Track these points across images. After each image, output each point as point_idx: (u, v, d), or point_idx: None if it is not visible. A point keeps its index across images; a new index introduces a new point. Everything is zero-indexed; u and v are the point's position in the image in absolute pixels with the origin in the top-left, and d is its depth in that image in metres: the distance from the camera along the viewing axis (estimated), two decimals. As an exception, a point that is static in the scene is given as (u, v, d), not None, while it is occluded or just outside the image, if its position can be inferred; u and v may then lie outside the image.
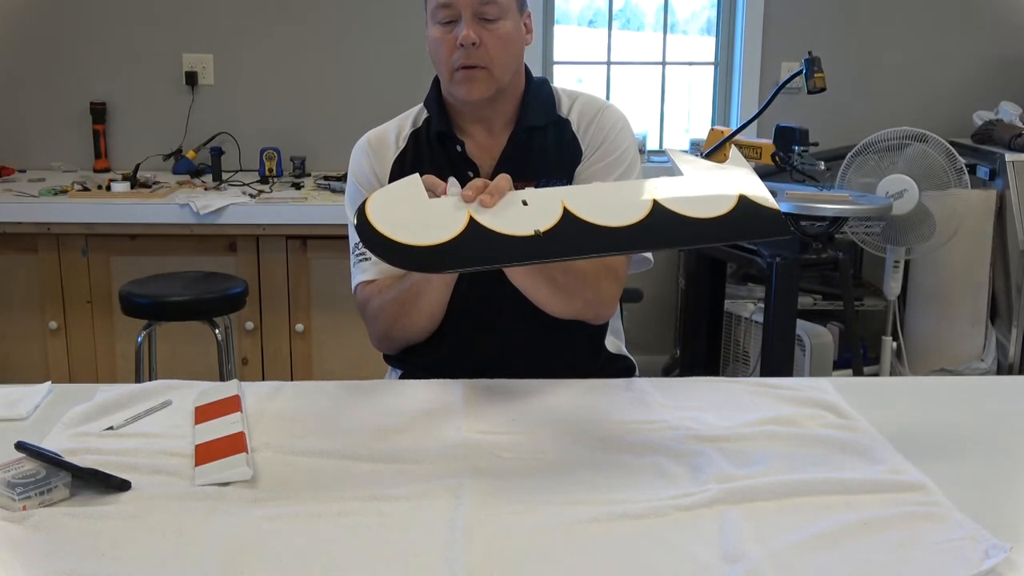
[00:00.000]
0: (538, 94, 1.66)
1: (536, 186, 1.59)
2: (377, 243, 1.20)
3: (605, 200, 1.29)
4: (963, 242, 3.35)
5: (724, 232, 1.31)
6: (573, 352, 1.66)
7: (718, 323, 3.46)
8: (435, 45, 1.58)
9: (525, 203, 1.27)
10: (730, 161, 1.40)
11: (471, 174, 1.61)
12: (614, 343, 1.76)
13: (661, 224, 1.26)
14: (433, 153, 1.64)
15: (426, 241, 1.20)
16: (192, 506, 1.13)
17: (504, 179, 1.29)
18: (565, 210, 1.25)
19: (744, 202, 1.31)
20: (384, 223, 1.21)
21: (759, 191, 1.33)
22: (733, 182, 1.33)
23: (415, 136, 1.67)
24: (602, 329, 1.71)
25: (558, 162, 1.63)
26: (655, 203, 1.28)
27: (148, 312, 2.63)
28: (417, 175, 1.29)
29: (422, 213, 1.24)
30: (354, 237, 1.66)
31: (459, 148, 1.63)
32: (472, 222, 1.23)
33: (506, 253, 1.23)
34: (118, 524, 1.09)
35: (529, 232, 1.22)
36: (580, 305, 1.56)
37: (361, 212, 1.21)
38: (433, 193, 1.29)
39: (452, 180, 1.30)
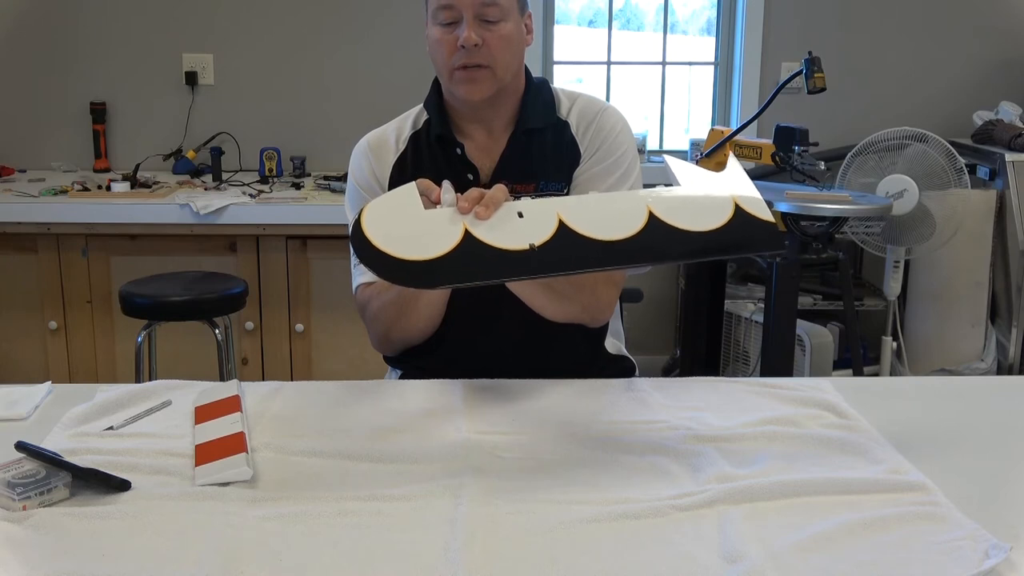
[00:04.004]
0: (538, 95, 1.66)
1: (535, 188, 1.60)
2: (371, 256, 1.19)
3: (601, 212, 1.28)
4: (963, 242, 3.36)
5: (719, 246, 1.31)
6: (572, 354, 1.65)
7: (718, 323, 3.46)
8: (436, 46, 1.57)
9: (521, 215, 1.26)
10: (728, 168, 1.40)
11: (471, 176, 1.61)
12: (614, 344, 1.76)
13: (656, 238, 1.26)
14: (433, 155, 1.64)
15: (419, 255, 1.19)
16: (192, 506, 1.13)
17: (500, 189, 1.28)
18: (561, 223, 1.25)
19: (740, 214, 1.31)
20: (379, 235, 1.20)
21: (755, 203, 1.33)
22: (729, 193, 1.33)
23: (415, 138, 1.67)
24: (602, 331, 1.71)
25: (557, 164, 1.63)
26: (651, 215, 1.27)
27: (148, 312, 2.63)
28: (414, 184, 1.28)
29: (417, 225, 1.23)
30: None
31: (459, 150, 1.63)
32: (467, 235, 1.22)
33: (500, 268, 1.22)
34: (118, 524, 1.09)
35: (524, 246, 1.22)
36: (577, 310, 1.55)
37: (357, 223, 1.21)
38: (428, 198, 1.28)
39: (447, 185, 1.30)
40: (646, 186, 1.65)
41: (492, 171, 1.62)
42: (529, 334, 1.60)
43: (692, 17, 4.12)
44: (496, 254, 1.21)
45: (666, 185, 1.36)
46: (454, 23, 1.54)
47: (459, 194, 1.29)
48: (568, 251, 1.23)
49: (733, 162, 1.41)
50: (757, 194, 1.34)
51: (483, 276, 1.22)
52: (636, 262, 1.29)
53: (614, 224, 1.26)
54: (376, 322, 1.61)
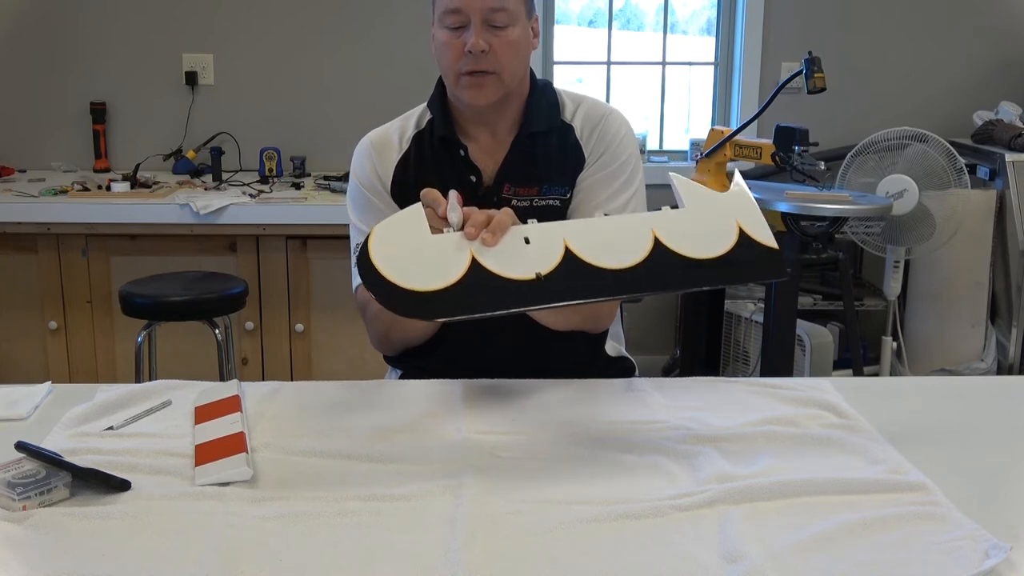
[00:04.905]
0: (542, 98, 1.64)
1: (538, 192, 1.60)
2: (379, 287, 1.19)
3: (607, 237, 1.29)
4: (963, 242, 3.35)
5: (722, 276, 1.32)
6: (573, 356, 1.65)
7: (718, 323, 3.46)
8: (442, 49, 1.56)
9: (527, 240, 1.26)
10: (733, 188, 1.39)
11: (473, 178, 1.61)
12: (614, 347, 1.76)
13: (661, 266, 1.27)
14: (436, 156, 1.63)
15: (426, 286, 1.19)
16: (192, 506, 1.13)
17: (507, 213, 1.28)
18: (567, 250, 1.25)
19: (744, 240, 1.31)
20: (386, 264, 1.20)
21: (760, 228, 1.33)
22: (734, 217, 1.33)
23: (418, 138, 1.65)
24: (602, 334, 1.71)
25: (561, 169, 1.62)
26: (656, 241, 1.28)
27: (148, 312, 2.63)
28: (420, 205, 1.28)
29: (424, 252, 1.23)
30: (356, 238, 1.65)
31: (462, 152, 1.62)
32: (474, 264, 1.22)
33: (506, 299, 1.22)
34: (118, 524, 1.09)
35: (531, 276, 1.22)
36: (578, 320, 1.55)
37: (364, 250, 1.21)
38: (434, 210, 1.29)
39: (452, 201, 1.30)
40: (647, 186, 1.66)
41: (495, 174, 1.61)
42: (529, 336, 1.59)
43: (692, 17, 4.12)
44: (502, 284, 1.22)
45: (672, 206, 1.36)
46: (461, 27, 1.53)
47: (466, 208, 1.29)
48: (574, 281, 1.24)
49: (739, 181, 1.41)
50: (762, 217, 1.35)
51: (489, 307, 1.21)
52: (641, 291, 1.29)
53: (620, 251, 1.27)
54: (376, 322, 1.61)
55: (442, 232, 1.27)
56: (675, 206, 1.37)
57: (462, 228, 1.27)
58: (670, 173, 1.41)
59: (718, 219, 1.33)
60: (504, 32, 1.53)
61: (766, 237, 1.33)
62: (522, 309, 1.24)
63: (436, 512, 1.11)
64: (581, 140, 1.63)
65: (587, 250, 1.26)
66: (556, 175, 1.61)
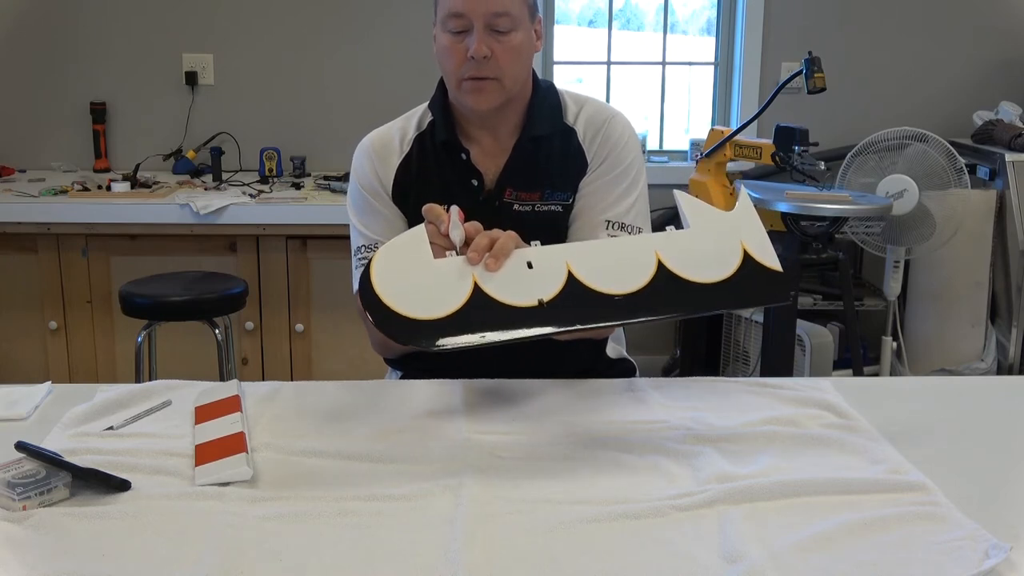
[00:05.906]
0: (544, 101, 1.63)
1: (540, 197, 1.59)
2: (380, 315, 1.20)
3: (611, 260, 1.28)
4: (963, 242, 3.35)
5: (725, 301, 1.32)
6: (574, 360, 1.64)
7: (718, 323, 3.46)
8: (444, 53, 1.55)
9: (530, 265, 1.26)
10: (738, 207, 1.39)
11: (475, 182, 1.60)
12: (615, 349, 1.75)
13: (664, 291, 1.27)
14: (438, 159, 1.62)
15: (427, 314, 1.20)
16: (192, 506, 1.13)
17: (510, 237, 1.27)
18: (570, 274, 1.25)
19: (748, 263, 1.31)
20: (388, 292, 1.20)
21: (765, 249, 1.33)
22: (739, 239, 1.33)
23: (420, 140, 1.64)
24: (603, 339, 1.70)
25: (563, 173, 1.61)
26: (659, 265, 1.28)
27: (148, 312, 2.63)
28: (422, 227, 1.28)
29: (427, 279, 1.23)
30: (356, 240, 1.65)
31: (464, 156, 1.62)
32: (476, 291, 1.22)
33: (507, 327, 1.22)
34: (118, 524, 1.09)
35: (533, 302, 1.23)
36: (582, 333, 1.55)
37: (366, 276, 1.21)
38: (436, 227, 1.28)
39: (455, 219, 1.29)
40: (648, 186, 1.66)
41: (497, 177, 1.61)
42: (531, 342, 1.58)
43: (692, 17, 4.12)
44: (504, 311, 1.22)
45: (676, 225, 1.35)
46: (464, 32, 1.51)
47: (469, 224, 1.28)
48: (576, 306, 1.24)
49: (744, 199, 1.40)
50: (766, 238, 1.34)
51: (489, 336, 1.21)
52: (643, 317, 1.28)
53: (623, 275, 1.27)
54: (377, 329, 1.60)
55: (444, 249, 1.27)
56: (678, 221, 1.36)
57: (464, 245, 1.27)
58: (674, 191, 1.41)
59: (723, 241, 1.33)
60: (507, 37, 1.52)
61: (771, 259, 1.32)
62: (522, 337, 1.23)
63: (436, 512, 1.11)
64: (584, 144, 1.62)
65: (590, 274, 1.26)
66: (558, 180, 1.61)
